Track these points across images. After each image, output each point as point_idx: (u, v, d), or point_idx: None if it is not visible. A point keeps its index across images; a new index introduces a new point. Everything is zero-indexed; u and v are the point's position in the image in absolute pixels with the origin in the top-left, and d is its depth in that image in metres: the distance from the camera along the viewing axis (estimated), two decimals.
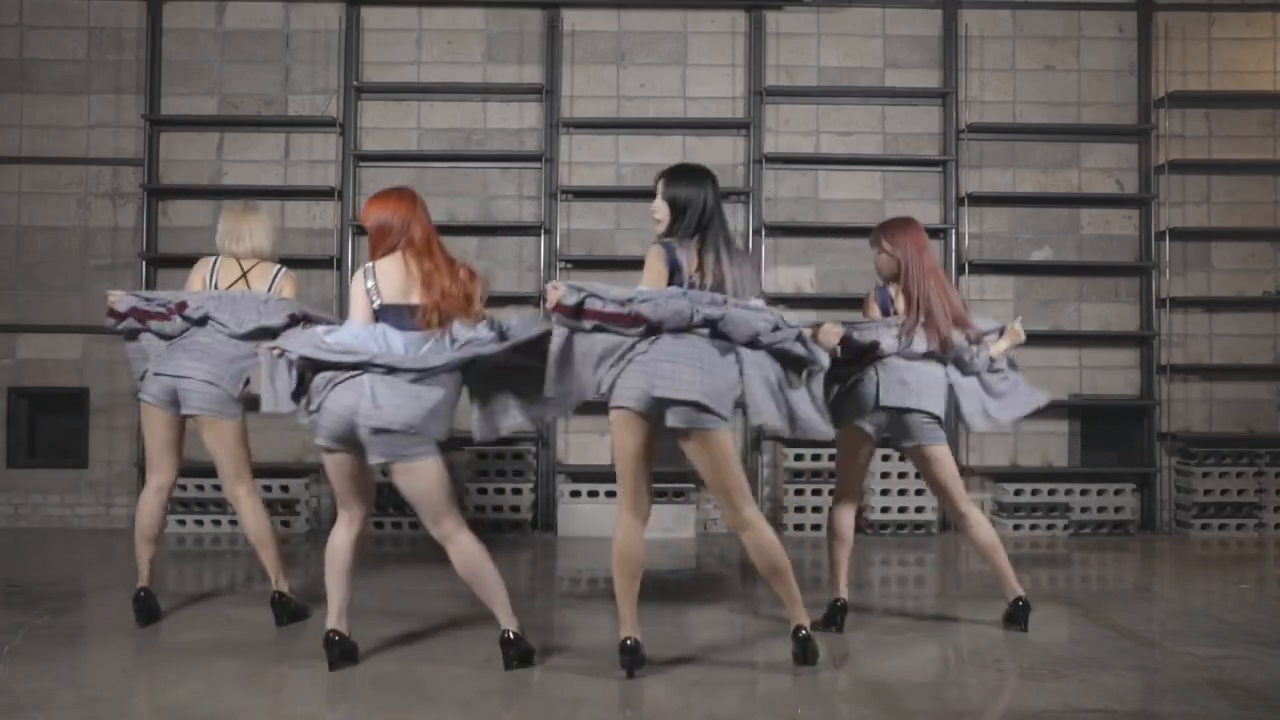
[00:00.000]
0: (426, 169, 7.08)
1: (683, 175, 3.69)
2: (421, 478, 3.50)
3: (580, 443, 6.98)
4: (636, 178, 6.97)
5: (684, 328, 3.45)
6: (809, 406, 3.61)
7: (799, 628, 3.62)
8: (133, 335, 4.33)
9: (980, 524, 4.20)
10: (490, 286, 6.89)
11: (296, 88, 7.09)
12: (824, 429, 3.63)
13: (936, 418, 4.12)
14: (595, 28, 7.13)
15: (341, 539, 3.65)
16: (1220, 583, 5.37)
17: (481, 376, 3.67)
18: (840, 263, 7.06)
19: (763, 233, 7.01)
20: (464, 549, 3.59)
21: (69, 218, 7.03)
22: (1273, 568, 5.92)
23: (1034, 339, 7.05)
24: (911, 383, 4.07)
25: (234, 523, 6.65)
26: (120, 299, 4.31)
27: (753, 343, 3.51)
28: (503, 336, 3.59)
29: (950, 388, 4.18)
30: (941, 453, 4.17)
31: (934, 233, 7.09)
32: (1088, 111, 7.18)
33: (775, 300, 6.98)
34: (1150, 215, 7.13)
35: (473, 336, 3.54)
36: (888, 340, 4.08)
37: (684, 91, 7.14)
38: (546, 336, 3.57)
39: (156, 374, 4.18)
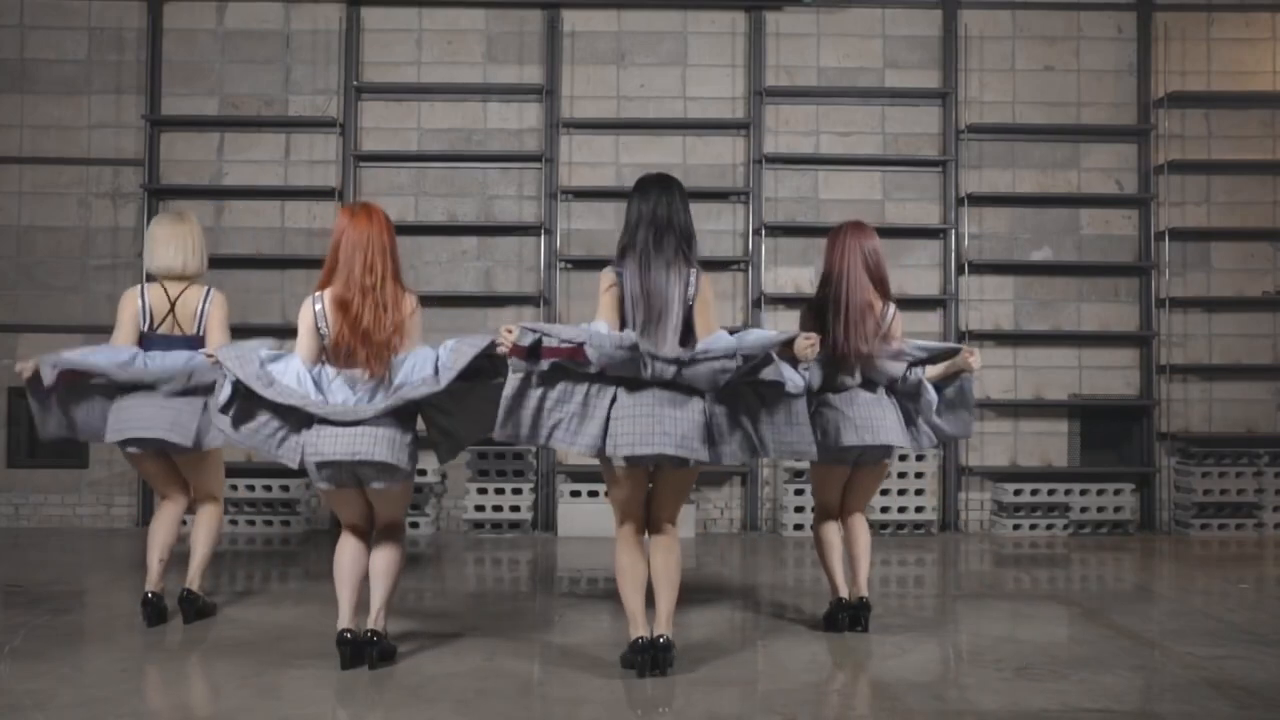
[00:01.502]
0: (426, 169, 7.09)
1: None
2: (392, 498, 3.66)
3: None
4: (636, 178, 6.93)
5: (636, 380, 3.44)
6: (785, 426, 3.53)
7: (661, 635, 3.55)
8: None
9: (866, 528, 4.23)
10: (490, 286, 6.99)
11: (297, 88, 7.10)
12: (805, 450, 3.56)
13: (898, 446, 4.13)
14: (595, 28, 7.13)
15: (354, 552, 3.70)
16: (1220, 583, 5.37)
17: (432, 404, 3.66)
18: None
19: (762, 233, 7.01)
20: (395, 554, 3.71)
21: (69, 218, 7.03)
22: (1272, 568, 5.92)
23: (1034, 339, 7.10)
24: (863, 421, 4.01)
25: (234, 522, 6.66)
26: (46, 372, 4.08)
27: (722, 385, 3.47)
28: (438, 370, 3.58)
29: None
30: (886, 465, 4.22)
31: (934, 233, 7.10)
32: (1087, 112, 7.19)
33: (775, 300, 6.99)
34: (1150, 215, 7.13)
35: (402, 381, 3.56)
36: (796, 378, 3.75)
37: (684, 92, 7.15)
38: (478, 359, 3.54)
39: (134, 438, 4.10)
